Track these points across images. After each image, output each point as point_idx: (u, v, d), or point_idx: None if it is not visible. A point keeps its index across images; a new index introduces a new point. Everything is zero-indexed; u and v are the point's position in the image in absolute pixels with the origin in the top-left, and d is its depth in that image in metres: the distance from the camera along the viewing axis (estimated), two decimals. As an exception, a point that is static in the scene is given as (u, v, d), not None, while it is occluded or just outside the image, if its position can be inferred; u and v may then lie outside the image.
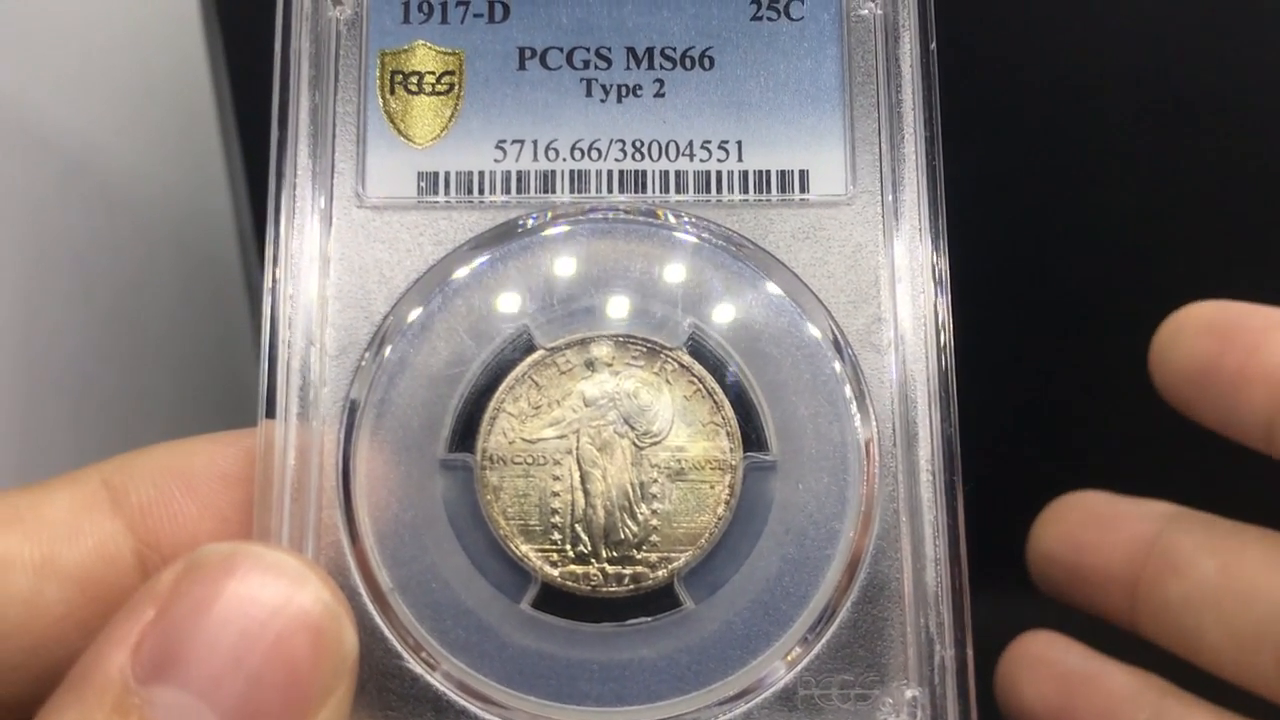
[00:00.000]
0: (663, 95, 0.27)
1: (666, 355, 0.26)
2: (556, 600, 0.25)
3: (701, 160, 0.27)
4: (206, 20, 0.37)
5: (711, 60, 0.27)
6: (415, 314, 0.26)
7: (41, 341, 0.38)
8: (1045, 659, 0.34)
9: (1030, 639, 0.35)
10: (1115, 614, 0.33)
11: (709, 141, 0.27)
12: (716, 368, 0.26)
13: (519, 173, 0.27)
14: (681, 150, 0.27)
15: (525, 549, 0.25)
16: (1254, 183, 0.38)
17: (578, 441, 0.26)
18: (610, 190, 0.27)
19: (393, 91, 0.27)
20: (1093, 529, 0.34)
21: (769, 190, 0.27)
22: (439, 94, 0.27)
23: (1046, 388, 0.39)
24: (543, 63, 0.27)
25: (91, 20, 0.42)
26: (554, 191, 0.27)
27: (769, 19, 0.28)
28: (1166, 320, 0.32)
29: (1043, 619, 0.34)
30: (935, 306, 0.26)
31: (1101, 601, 0.33)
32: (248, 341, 0.42)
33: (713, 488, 0.26)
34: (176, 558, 0.22)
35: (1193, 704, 0.32)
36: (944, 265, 0.26)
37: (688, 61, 0.27)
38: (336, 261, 0.26)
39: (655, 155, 0.27)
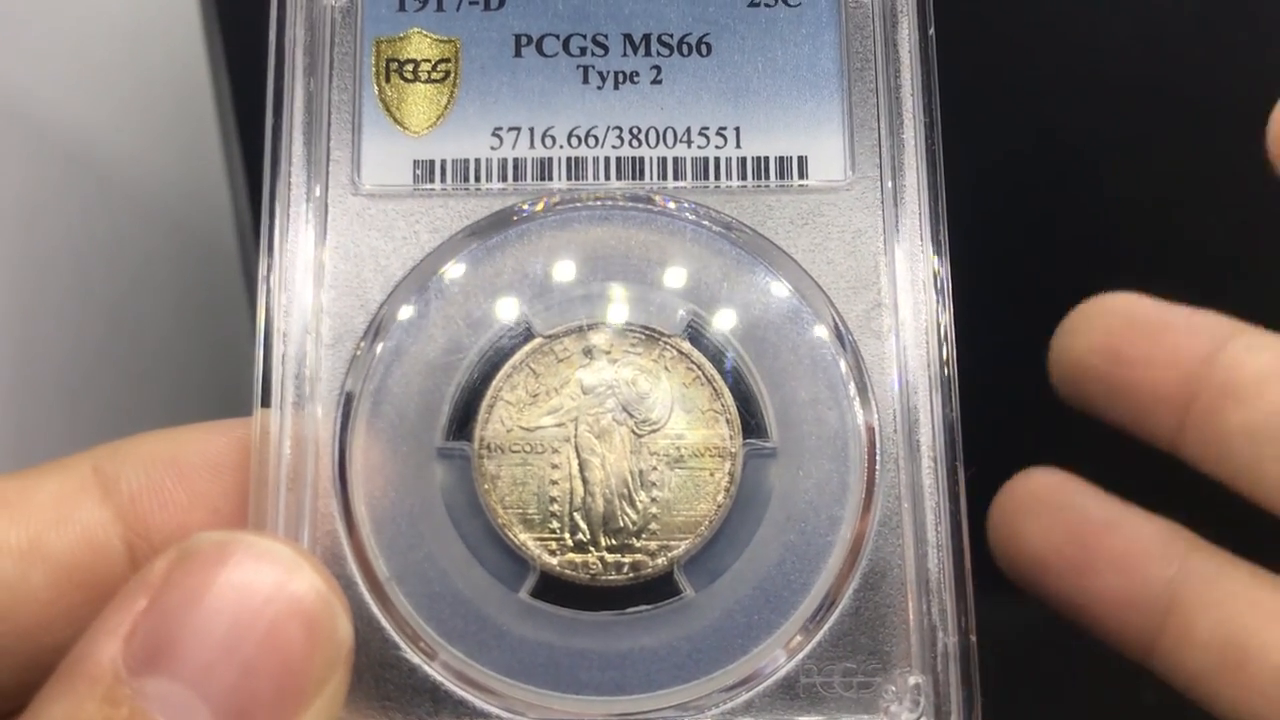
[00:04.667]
0: (660, 82, 0.27)
1: (665, 342, 0.26)
2: (555, 589, 0.25)
3: (699, 147, 0.27)
4: (205, 12, 0.37)
5: (709, 46, 0.27)
6: (411, 303, 0.26)
7: (39, 333, 0.38)
8: (1055, 502, 0.31)
9: (1033, 477, 0.31)
10: (1156, 435, 0.30)
11: (707, 128, 0.27)
12: (715, 355, 0.26)
13: (515, 160, 0.27)
14: (679, 137, 0.27)
15: (524, 538, 0.25)
16: (1255, 172, 0.38)
17: (576, 429, 0.26)
18: (607, 177, 0.27)
19: (388, 79, 0.27)
20: (1137, 339, 0.30)
21: (767, 176, 0.27)
22: (435, 82, 0.27)
23: (1047, 373, 0.39)
24: (539, 50, 0.27)
25: (90, 13, 0.42)
26: (551, 179, 0.27)
27: (766, 5, 0.27)
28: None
29: (1045, 608, 0.33)
30: (935, 291, 0.26)
31: (1142, 421, 0.30)
32: (246, 333, 0.42)
33: (712, 475, 0.25)
34: (166, 546, 0.22)
35: (1222, 559, 0.29)
36: (943, 249, 0.26)
37: (685, 48, 0.27)
38: (332, 250, 0.26)
39: (653, 142, 0.27)
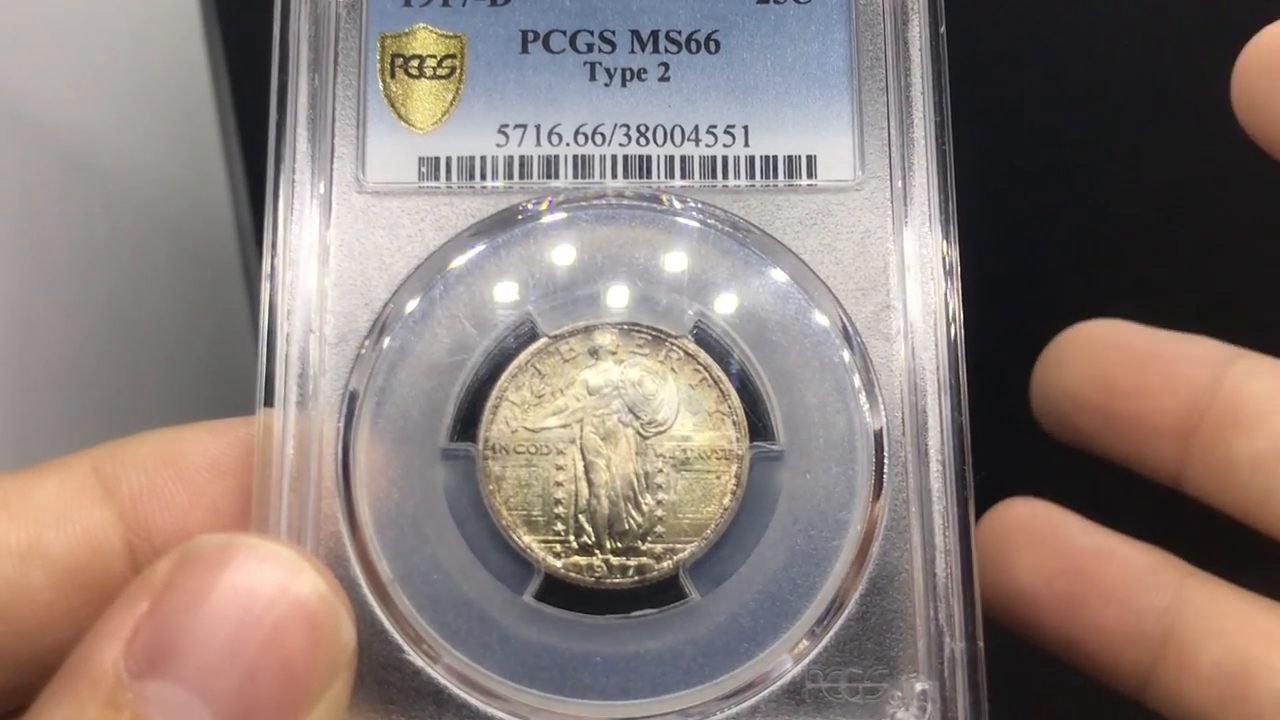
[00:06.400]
0: (667, 79, 0.27)
1: (671, 343, 0.26)
2: (560, 592, 0.25)
3: (707, 145, 0.27)
4: (205, 12, 0.37)
5: (717, 44, 0.27)
6: (416, 301, 0.26)
7: (38, 332, 0.37)
8: (1042, 532, 0.29)
9: (1016, 506, 0.30)
10: (1157, 468, 0.29)
11: (715, 126, 0.27)
12: (722, 356, 0.26)
13: (521, 158, 0.27)
14: (687, 135, 0.27)
15: (528, 540, 0.25)
16: (1262, 171, 0.37)
17: (581, 431, 0.25)
18: (614, 176, 0.27)
19: (393, 75, 0.27)
20: (1133, 370, 0.29)
21: (776, 175, 0.27)
22: (440, 78, 0.27)
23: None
24: (546, 46, 0.27)
25: (90, 13, 0.41)
26: (557, 177, 0.27)
27: (776, 2, 0.27)
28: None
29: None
30: (945, 293, 0.26)
31: (1140, 454, 0.29)
32: (245, 333, 0.42)
33: (719, 477, 0.25)
34: (167, 547, 0.22)
35: (1217, 586, 0.28)
36: (954, 251, 0.26)
37: (693, 45, 0.27)
38: (336, 248, 0.26)
39: (660, 140, 0.27)
